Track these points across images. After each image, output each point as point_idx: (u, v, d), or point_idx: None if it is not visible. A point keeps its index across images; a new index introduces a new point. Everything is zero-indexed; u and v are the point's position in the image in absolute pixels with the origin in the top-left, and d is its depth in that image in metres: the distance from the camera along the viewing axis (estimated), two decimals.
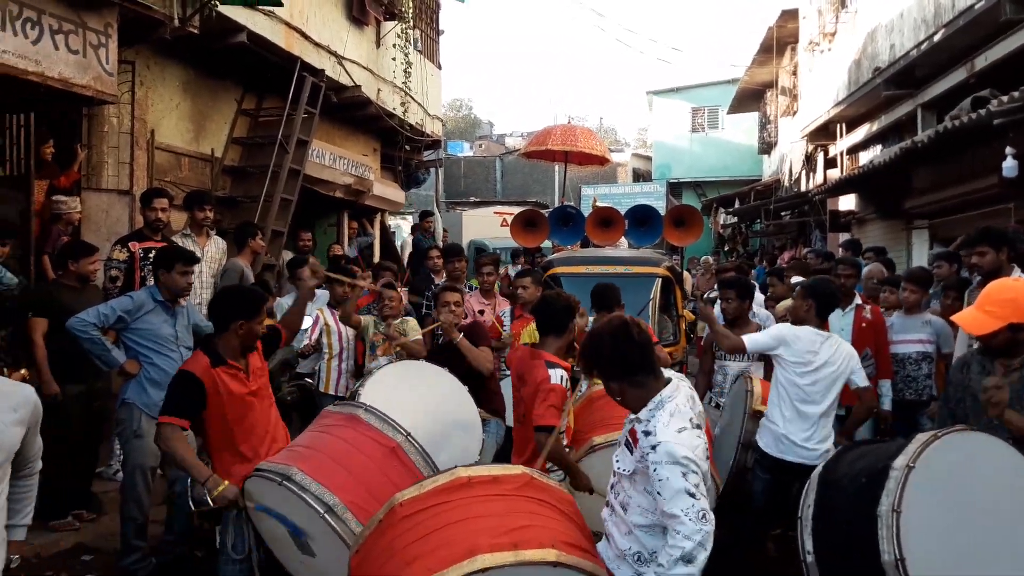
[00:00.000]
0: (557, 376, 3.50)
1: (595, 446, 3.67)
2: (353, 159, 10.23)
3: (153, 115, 7.40)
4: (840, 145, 14.03)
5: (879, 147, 12.13)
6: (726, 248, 22.51)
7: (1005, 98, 6.24)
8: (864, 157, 12.88)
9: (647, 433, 2.40)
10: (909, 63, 9.44)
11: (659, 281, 6.50)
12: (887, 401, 5.27)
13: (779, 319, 5.46)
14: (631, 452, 2.45)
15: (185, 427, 3.34)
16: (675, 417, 2.42)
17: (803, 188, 16.76)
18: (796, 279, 6.36)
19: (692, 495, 2.29)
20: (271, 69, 8.13)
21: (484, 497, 2.49)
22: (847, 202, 14.08)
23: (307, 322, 5.74)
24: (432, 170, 13.43)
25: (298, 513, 2.91)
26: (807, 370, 4.06)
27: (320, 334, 5.78)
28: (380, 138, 11.48)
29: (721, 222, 24.15)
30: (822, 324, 4.21)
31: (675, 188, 26.50)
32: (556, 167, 25.45)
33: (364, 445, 3.05)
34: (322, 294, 6.02)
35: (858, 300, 5.50)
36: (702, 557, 2.27)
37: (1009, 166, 6.68)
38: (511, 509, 2.47)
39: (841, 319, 5.30)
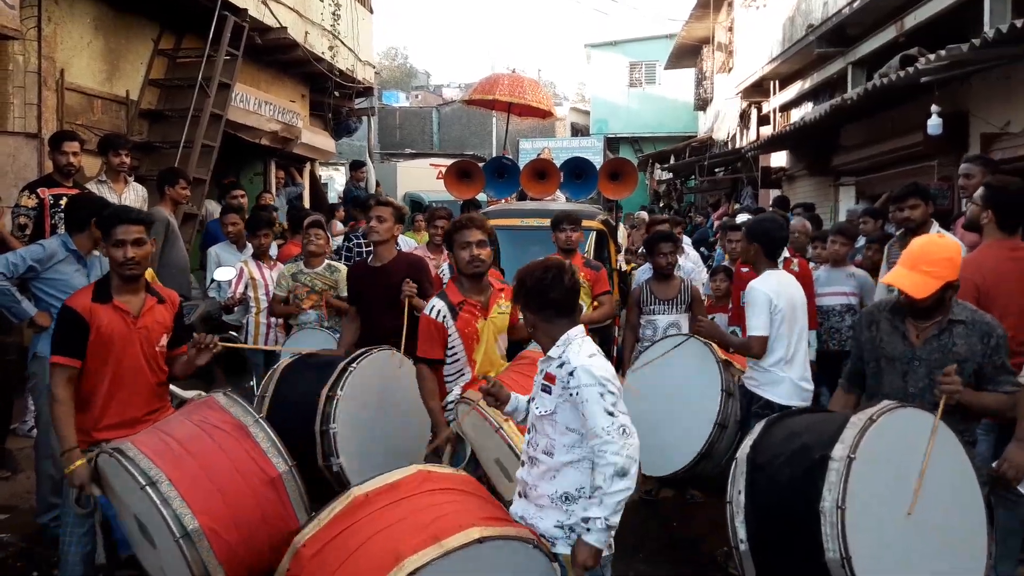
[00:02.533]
0: (429, 307, 3.60)
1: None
2: (280, 105, 9.85)
3: (62, 53, 6.93)
4: (773, 102, 14.17)
5: (811, 104, 12.28)
6: (661, 204, 22.73)
7: (932, 56, 6.33)
8: (796, 114, 13.04)
9: (562, 364, 2.50)
10: (841, 21, 9.52)
11: (593, 234, 6.46)
12: (812, 351, 5.38)
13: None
14: (550, 392, 2.52)
15: (76, 366, 3.10)
16: (584, 346, 2.54)
17: (737, 145, 16.95)
18: (742, 218, 6.45)
19: (611, 413, 2.41)
20: (190, 7, 7.69)
21: (388, 506, 2.41)
22: (779, 159, 14.31)
23: (230, 273, 5.53)
24: (364, 119, 13.05)
25: (152, 522, 2.67)
26: (786, 319, 4.02)
27: (245, 287, 5.59)
28: (309, 84, 11.07)
29: (657, 178, 24.36)
30: (774, 265, 4.16)
31: (612, 143, 26.54)
32: (494, 120, 25.20)
33: (245, 466, 2.76)
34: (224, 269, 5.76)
35: (785, 254, 5.56)
36: (634, 470, 2.38)
37: (934, 124, 6.82)
38: (419, 507, 2.41)
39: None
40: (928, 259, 2.88)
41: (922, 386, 2.87)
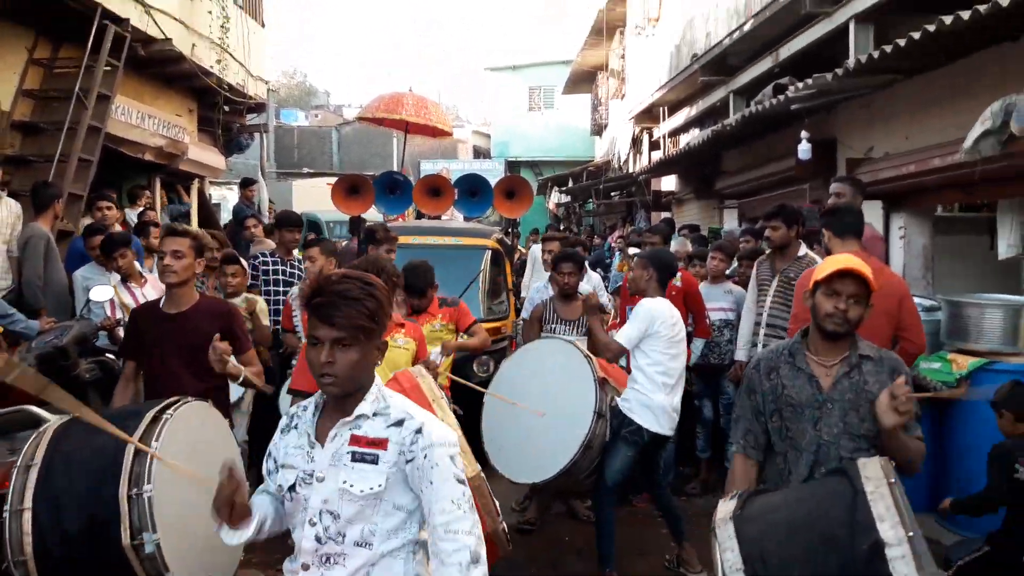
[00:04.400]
0: None
1: None
2: (165, 119, 9.51)
3: None
4: (663, 128, 14.71)
5: (697, 130, 12.83)
6: (561, 227, 23.15)
7: (800, 85, 6.75)
8: (684, 140, 13.59)
9: (400, 422, 1.96)
10: (722, 51, 10.00)
11: (488, 253, 6.54)
12: (693, 358, 5.56)
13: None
14: (375, 462, 1.93)
15: None
16: (402, 397, 2.07)
17: (631, 169, 17.49)
18: (633, 251, 6.62)
19: (461, 481, 1.94)
20: (68, 14, 7.35)
21: None
22: (668, 183, 14.84)
23: (107, 293, 5.28)
24: (257, 135, 12.75)
25: None
26: (675, 338, 4.16)
27: (120, 312, 5.34)
28: (197, 98, 10.72)
29: (556, 201, 24.82)
30: (662, 292, 4.33)
31: (513, 166, 26.90)
32: (395, 140, 25.10)
33: None
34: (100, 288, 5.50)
35: None
36: (483, 551, 1.93)
37: (804, 149, 7.26)
38: None
39: None
40: (865, 273, 2.54)
41: (836, 431, 2.54)
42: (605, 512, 4.19)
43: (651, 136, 16.41)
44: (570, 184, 22.00)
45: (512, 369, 4.62)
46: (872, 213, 7.18)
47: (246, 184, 10.10)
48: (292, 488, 1.98)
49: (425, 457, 1.92)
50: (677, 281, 5.61)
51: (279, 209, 12.72)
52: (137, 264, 5.36)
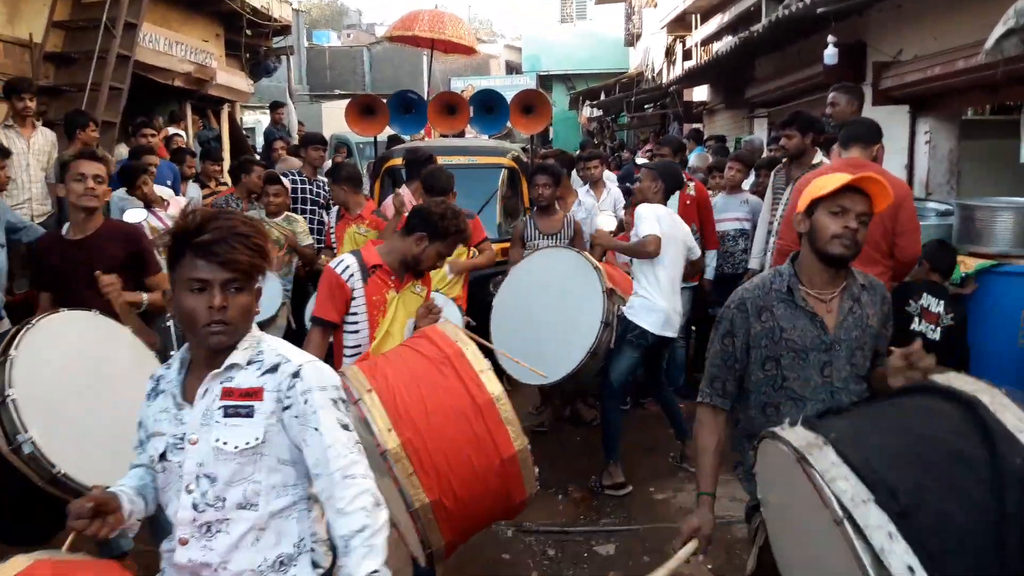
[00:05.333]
0: (338, 262, 3.15)
1: None
2: (192, 45, 9.63)
3: None
4: (695, 36, 14.36)
5: (729, 38, 12.50)
6: (595, 141, 22.90)
7: None
8: (716, 48, 13.26)
9: (275, 367, 1.76)
10: None
11: (505, 172, 6.62)
12: (710, 271, 5.71)
13: None
14: (250, 414, 1.74)
15: None
16: (283, 342, 1.88)
17: (664, 80, 17.15)
18: (641, 161, 6.67)
19: (345, 426, 1.77)
20: None
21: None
22: (700, 93, 14.58)
23: (141, 215, 5.53)
24: (284, 58, 12.78)
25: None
26: (675, 240, 4.38)
27: (150, 235, 5.61)
28: (223, 23, 10.79)
29: (587, 115, 24.45)
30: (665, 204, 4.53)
31: (545, 81, 26.43)
32: (425, 58, 24.81)
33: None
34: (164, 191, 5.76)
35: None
36: (381, 496, 1.78)
37: (830, 53, 7.10)
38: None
39: None
40: (879, 184, 2.18)
41: (845, 375, 2.24)
42: (611, 412, 4.45)
43: (684, 45, 16.02)
44: (602, 97, 21.62)
45: (521, 277, 4.76)
46: (898, 118, 7.09)
47: (275, 107, 10.25)
48: (163, 456, 1.77)
49: (305, 402, 1.73)
50: (691, 190, 5.69)
51: (308, 131, 12.91)
52: (158, 188, 5.57)
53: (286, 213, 5.52)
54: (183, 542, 1.76)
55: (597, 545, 3.94)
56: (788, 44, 9.17)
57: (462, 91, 10.29)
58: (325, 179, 6.11)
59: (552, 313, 4.43)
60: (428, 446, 2.46)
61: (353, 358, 3.09)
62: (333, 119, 16.46)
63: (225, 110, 11.11)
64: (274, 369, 1.76)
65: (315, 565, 1.80)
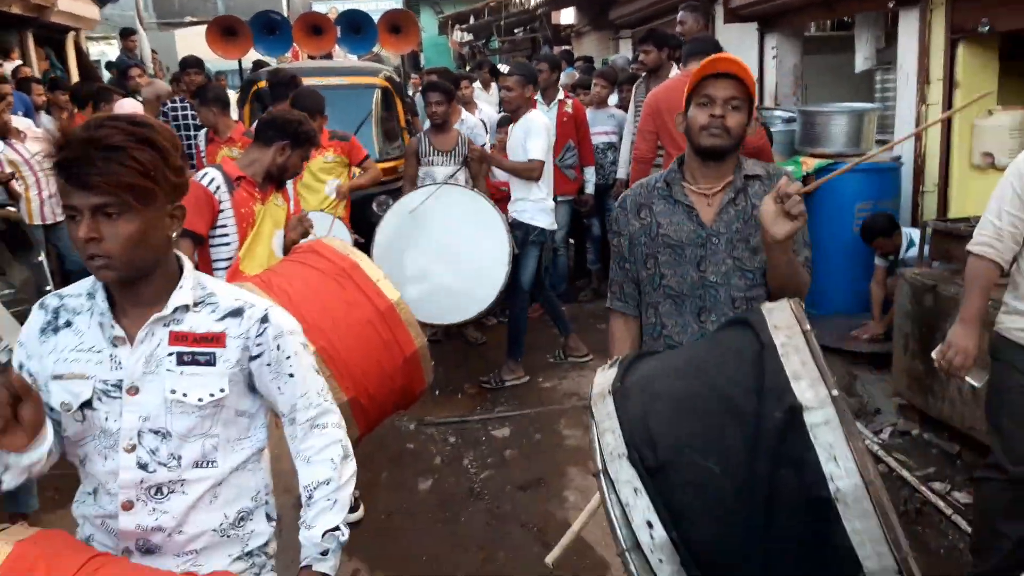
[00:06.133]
0: (202, 175, 3.14)
1: None
2: None
3: None
4: None
5: None
6: (467, 67, 22.72)
7: None
8: None
9: (238, 311, 1.58)
10: None
11: (378, 91, 6.62)
12: (590, 186, 6.06)
13: None
14: (212, 362, 1.55)
15: None
16: (228, 284, 1.73)
17: (532, 3, 17.17)
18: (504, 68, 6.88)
19: (316, 370, 1.68)
20: None
21: None
22: (568, 16, 14.79)
23: None
24: None
25: None
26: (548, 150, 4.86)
27: (7, 167, 5.35)
28: None
29: (458, 40, 24.15)
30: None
31: (412, 5, 25.73)
32: None
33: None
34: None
35: (560, 95, 6.01)
36: (351, 447, 1.70)
37: None
38: None
39: (545, 114, 5.80)
40: (739, 65, 2.09)
41: (725, 269, 2.13)
42: (520, 313, 4.87)
43: None
44: (471, 22, 21.40)
45: (410, 217, 4.79)
46: (747, 35, 7.57)
47: (125, 35, 9.66)
48: (87, 405, 1.52)
49: (279, 348, 1.59)
50: (568, 108, 5.95)
51: (163, 60, 12.22)
52: (15, 119, 5.30)
53: None
54: (127, 506, 1.54)
55: (494, 430, 4.30)
56: None
57: (327, 12, 9.98)
58: None
59: (451, 252, 4.62)
60: (340, 352, 2.67)
61: (225, 271, 3.15)
62: (187, 47, 15.55)
63: (70, 39, 10.35)
64: (237, 313, 1.57)
65: (268, 518, 1.69)
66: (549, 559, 2.08)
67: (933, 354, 2.70)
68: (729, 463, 1.42)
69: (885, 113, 5.91)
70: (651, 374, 1.70)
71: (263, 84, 5.89)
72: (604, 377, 1.71)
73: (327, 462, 1.62)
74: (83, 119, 5.80)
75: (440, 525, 3.53)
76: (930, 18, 5.22)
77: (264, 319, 1.59)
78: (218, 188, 3.10)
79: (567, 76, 7.16)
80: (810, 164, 5.28)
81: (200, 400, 1.53)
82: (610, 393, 1.62)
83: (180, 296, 1.54)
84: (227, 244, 3.18)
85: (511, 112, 4.97)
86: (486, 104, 7.06)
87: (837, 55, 7.77)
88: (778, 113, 6.18)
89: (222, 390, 1.55)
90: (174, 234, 1.54)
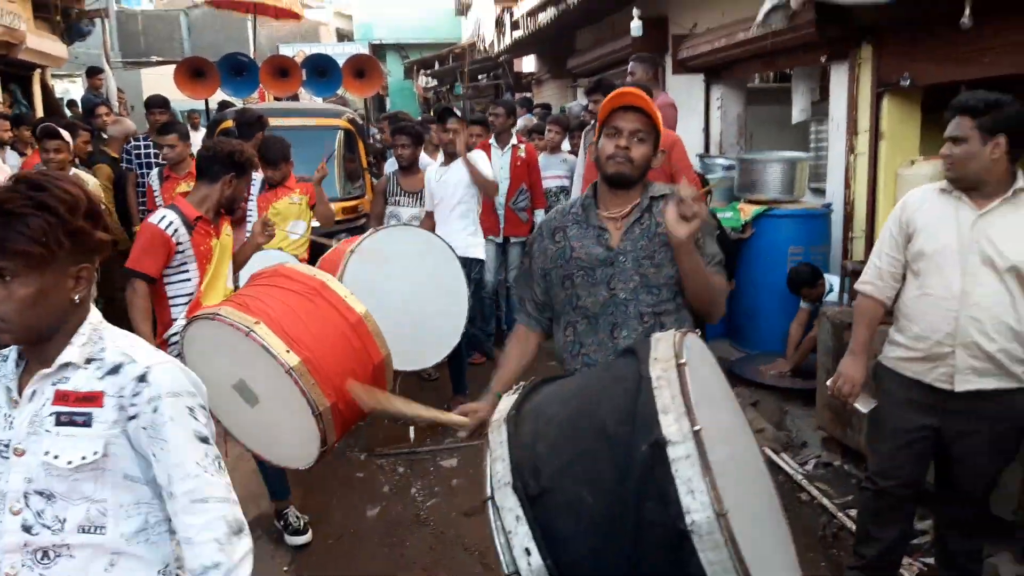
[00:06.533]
0: (158, 217, 3.23)
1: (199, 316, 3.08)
2: None
3: None
4: (522, 7, 14.93)
5: (552, 9, 13.16)
6: (432, 112, 23.14)
7: None
8: (543, 19, 13.91)
9: (117, 368, 1.50)
10: None
11: (341, 133, 6.86)
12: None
13: None
14: (88, 423, 1.48)
15: None
16: (131, 339, 1.59)
17: (496, 51, 17.68)
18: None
19: (204, 439, 1.53)
20: None
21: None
22: (529, 64, 15.26)
23: None
24: (99, 21, 12.11)
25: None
26: None
27: None
28: None
29: (423, 85, 24.64)
30: None
31: (378, 50, 26.23)
32: (248, 23, 23.94)
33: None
34: None
35: (514, 140, 6.26)
36: (242, 516, 1.56)
37: (636, 26, 7.87)
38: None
39: (500, 158, 6.09)
40: (644, 99, 2.25)
41: (633, 285, 2.25)
42: (463, 354, 5.10)
43: (512, 16, 16.58)
44: (436, 67, 21.89)
45: (369, 268, 4.44)
46: (694, 85, 7.97)
47: (92, 73, 9.80)
48: (28, 438, 1.49)
49: (155, 411, 1.48)
50: (522, 152, 6.22)
51: (128, 99, 12.34)
52: None
53: (75, 171, 5.18)
54: (10, 574, 1.48)
55: (442, 460, 4.44)
56: (601, 17, 9.91)
57: (294, 56, 10.25)
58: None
59: (414, 298, 4.38)
60: (320, 362, 2.87)
61: (185, 307, 3.28)
62: (154, 86, 15.71)
63: (36, 76, 10.44)
64: (116, 370, 1.49)
65: None
66: None
67: (827, 383, 2.95)
68: (600, 492, 1.49)
69: (819, 162, 6.28)
70: (546, 399, 1.78)
71: (229, 123, 6.08)
72: (504, 403, 1.78)
73: (211, 543, 1.47)
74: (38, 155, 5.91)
75: (386, 549, 3.65)
76: (858, 72, 5.59)
77: (142, 378, 1.48)
78: (176, 231, 3.22)
79: (525, 121, 7.46)
80: (747, 211, 5.59)
81: (70, 463, 1.46)
82: (505, 422, 1.69)
83: (68, 353, 1.49)
84: (187, 281, 3.31)
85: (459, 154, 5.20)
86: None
87: (780, 106, 8.21)
88: (719, 160, 6.53)
89: (95, 452, 1.46)
90: (76, 296, 1.49)
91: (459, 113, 5.31)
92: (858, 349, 2.86)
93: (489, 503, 1.58)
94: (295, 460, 3.01)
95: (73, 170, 5.24)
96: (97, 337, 1.53)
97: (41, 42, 10.09)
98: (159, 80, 17.15)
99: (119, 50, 23.62)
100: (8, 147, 6.72)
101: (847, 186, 5.68)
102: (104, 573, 1.50)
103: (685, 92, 7.93)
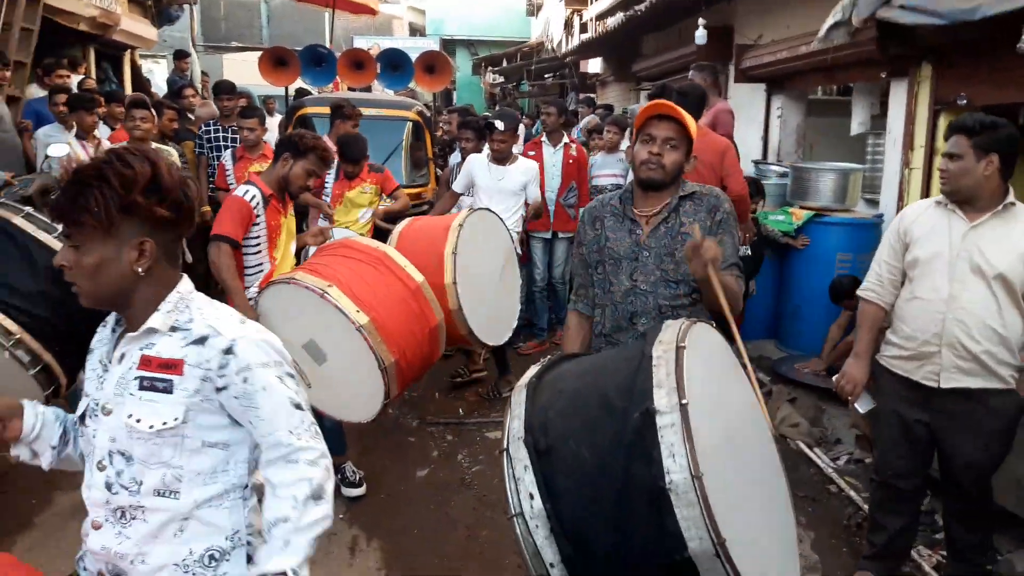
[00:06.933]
0: (243, 190, 3.60)
1: (274, 281, 3.42)
2: None
3: None
4: (591, 10, 15.14)
5: (620, 14, 13.35)
6: (496, 108, 23.47)
7: None
8: (609, 23, 14.11)
9: (203, 339, 1.55)
10: None
11: (410, 124, 7.20)
12: None
13: None
14: (169, 390, 1.54)
15: None
16: (218, 309, 1.63)
17: (562, 51, 17.92)
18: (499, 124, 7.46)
19: (298, 405, 1.59)
20: None
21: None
22: (595, 65, 15.45)
23: (64, 150, 5.82)
24: (186, 6, 12.75)
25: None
26: None
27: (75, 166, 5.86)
28: None
29: (490, 81, 25.03)
30: None
31: (448, 45, 26.72)
32: (326, 16, 24.65)
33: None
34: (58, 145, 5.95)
35: (566, 139, 6.45)
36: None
37: (700, 35, 8.03)
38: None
39: (552, 155, 6.32)
40: (676, 110, 2.43)
41: (653, 279, 2.45)
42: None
43: (581, 18, 16.79)
44: (504, 64, 22.23)
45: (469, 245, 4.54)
46: (756, 94, 8.10)
47: (179, 56, 10.36)
48: (82, 419, 1.61)
49: (245, 381, 1.54)
50: (573, 151, 6.44)
51: (211, 82, 12.94)
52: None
53: (157, 145, 5.47)
54: (96, 526, 1.58)
55: (488, 432, 4.74)
56: (668, 24, 10.08)
57: (368, 49, 10.64)
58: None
59: (492, 278, 4.52)
60: (386, 322, 3.22)
61: (257, 276, 3.64)
62: (234, 71, 16.41)
63: (127, 56, 11.10)
64: (201, 341, 1.54)
65: (251, 560, 1.61)
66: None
67: (833, 379, 3.16)
68: (597, 452, 1.71)
69: (875, 174, 6.37)
70: (564, 373, 2.02)
71: (307, 110, 6.46)
72: (528, 373, 2.02)
73: (289, 499, 1.52)
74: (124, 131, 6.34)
75: (432, 507, 3.96)
76: (917, 90, 5.70)
77: (228, 350, 1.53)
78: (257, 204, 3.59)
79: (586, 121, 7.69)
80: (800, 215, 5.74)
81: (151, 427, 1.52)
82: (525, 387, 1.93)
83: (153, 319, 1.54)
84: (259, 252, 3.66)
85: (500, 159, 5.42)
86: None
87: (841, 118, 8.29)
88: (773, 168, 6.67)
89: (175, 419, 1.52)
90: (140, 268, 1.52)
91: (501, 126, 5.41)
92: (861, 351, 3.07)
93: (504, 453, 1.81)
94: (359, 413, 3.34)
95: (155, 144, 5.56)
96: (184, 306, 1.58)
97: (134, 25, 10.73)
98: (240, 66, 17.87)
99: (201, 34, 24.59)
100: (101, 122, 7.21)
101: (900, 198, 5.77)
102: (174, 538, 1.55)
103: (746, 101, 8.07)
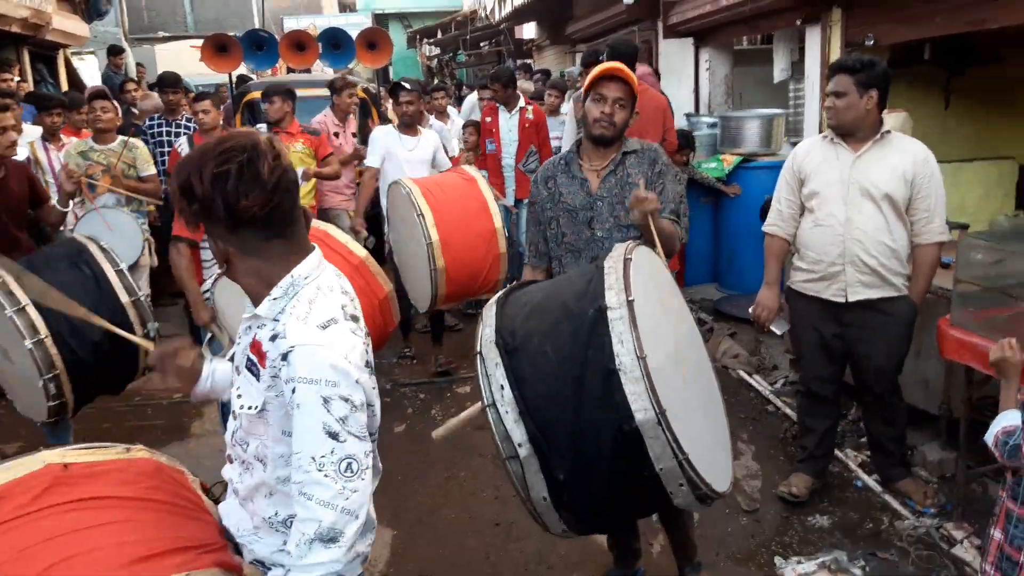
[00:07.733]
0: None
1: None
2: None
3: None
4: None
5: None
6: (435, 80, 23.50)
7: None
8: None
9: (276, 336, 1.55)
10: None
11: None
12: None
13: None
14: (257, 376, 1.58)
15: None
16: (317, 305, 1.57)
17: (497, 19, 18.06)
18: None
19: (334, 435, 1.49)
20: None
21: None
22: (529, 31, 15.67)
23: (22, 154, 5.86)
24: (115, 0, 12.57)
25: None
26: None
27: (34, 168, 5.87)
28: None
29: (427, 53, 24.99)
30: None
31: (381, 19, 26.55)
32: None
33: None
34: (32, 129, 5.98)
35: (522, 103, 6.46)
36: (352, 531, 1.50)
37: None
38: (30, 541, 1.49)
39: (508, 120, 6.37)
40: (625, 71, 2.68)
41: (608, 226, 2.72)
42: None
43: None
44: (439, 36, 22.25)
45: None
46: (685, 49, 8.45)
47: (114, 52, 10.26)
48: (237, 370, 1.69)
49: (293, 391, 1.49)
50: (529, 114, 6.54)
51: (148, 75, 12.83)
52: (26, 127, 5.77)
53: (123, 138, 5.43)
54: (229, 459, 1.75)
55: (458, 388, 5.09)
56: None
57: (306, 29, 10.69)
58: (187, 117, 6.56)
59: None
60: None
61: (214, 268, 3.59)
62: (168, 62, 16.15)
63: (61, 55, 10.97)
64: (275, 339, 1.54)
65: None
66: (435, 434, 2.40)
67: (748, 310, 3.55)
68: (558, 345, 2.00)
69: (796, 118, 6.79)
70: (528, 291, 2.33)
71: (254, 95, 6.60)
72: (496, 294, 2.31)
73: (296, 535, 1.49)
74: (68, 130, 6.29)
75: (412, 455, 4.30)
76: (829, 34, 6.09)
77: (284, 356, 1.51)
78: None
79: (525, 85, 7.96)
80: (730, 161, 6.15)
81: (242, 407, 1.61)
82: (495, 303, 2.21)
83: (262, 305, 1.59)
84: None
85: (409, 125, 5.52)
86: (456, 115, 7.89)
87: (766, 67, 8.70)
88: (705, 119, 7.06)
89: (256, 406, 1.57)
90: (241, 256, 1.59)
91: (408, 86, 5.58)
92: (771, 280, 3.48)
93: (478, 356, 2.05)
94: None
95: (122, 138, 5.50)
96: (293, 293, 1.57)
97: (65, 22, 10.60)
98: (169, 56, 17.58)
99: (127, 26, 24.03)
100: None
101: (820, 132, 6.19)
102: (264, 500, 1.65)
103: (676, 56, 8.42)
